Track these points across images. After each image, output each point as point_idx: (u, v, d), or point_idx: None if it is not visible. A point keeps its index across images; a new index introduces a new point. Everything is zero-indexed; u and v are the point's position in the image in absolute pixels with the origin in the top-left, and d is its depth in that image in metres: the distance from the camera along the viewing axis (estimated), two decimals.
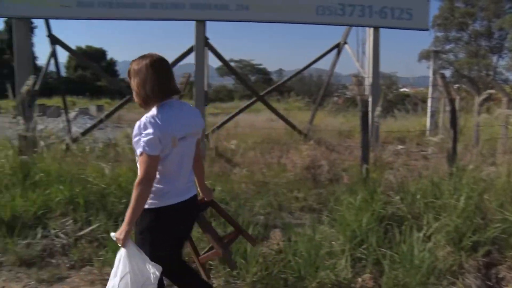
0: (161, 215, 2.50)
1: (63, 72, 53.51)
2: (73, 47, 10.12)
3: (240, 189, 5.35)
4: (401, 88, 26.98)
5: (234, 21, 8.15)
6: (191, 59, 8.24)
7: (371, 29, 8.31)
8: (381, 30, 8.23)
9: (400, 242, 3.81)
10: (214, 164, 5.84)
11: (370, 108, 6.38)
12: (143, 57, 2.49)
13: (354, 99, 21.82)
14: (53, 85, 14.43)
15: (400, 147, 9.33)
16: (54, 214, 4.58)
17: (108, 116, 10.16)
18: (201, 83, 7.98)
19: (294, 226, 4.36)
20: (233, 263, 2.88)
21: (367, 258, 3.77)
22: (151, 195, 2.45)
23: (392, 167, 5.76)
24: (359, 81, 6.49)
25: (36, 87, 7.64)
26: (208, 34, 8.05)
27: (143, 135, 2.34)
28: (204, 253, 3.04)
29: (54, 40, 9.25)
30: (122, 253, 2.40)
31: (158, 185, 2.47)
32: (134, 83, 2.47)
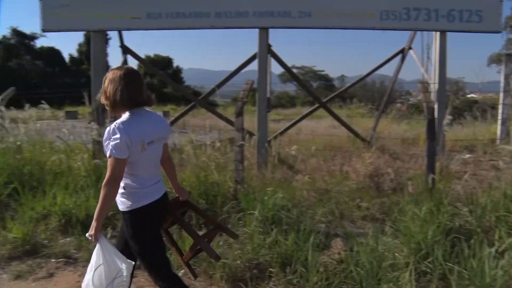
0: (143, 215, 2.69)
1: None
2: (142, 56, 10.51)
3: (301, 196, 5.29)
4: (468, 94, 25.67)
5: (296, 28, 8.11)
6: (254, 66, 8.31)
7: (437, 33, 7.96)
8: (448, 34, 7.87)
9: (469, 257, 3.58)
10: (276, 171, 5.80)
11: (436, 115, 6.11)
12: (119, 68, 2.72)
13: (418, 106, 21.11)
14: None
15: (468, 156, 8.84)
16: None
17: (173, 122, 10.46)
18: (264, 89, 8.01)
19: (356, 235, 4.22)
20: (215, 254, 2.95)
21: (432, 273, 3.58)
22: (128, 198, 2.67)
23: (459, 177, 5.47)
24: (425, 87, 6.22)
25: None
26: (270, 41, 8.08)
27: (112, 139, 2.52)
28: (188, 253, 3.14)
29: (126, 50, 9.67)
30: (97, 249, 2.58)
31: (132, 188, 2.68)
32: (107, 89, 2.64)
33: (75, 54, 50.67)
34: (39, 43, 48.51)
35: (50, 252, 4.20)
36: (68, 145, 6.61)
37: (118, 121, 2.58)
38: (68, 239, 4.39)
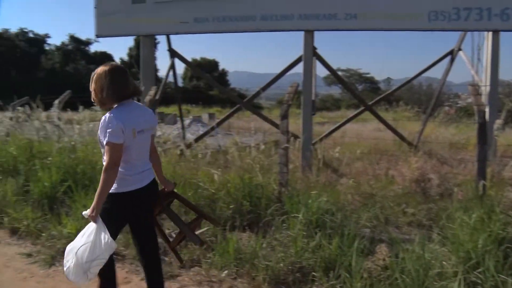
0: (121, 200, 2.85)
1: (180, 83, 56.95)
2: (189, 59, 10.67)
3: (346, 200, 5.19)
4: None
5: (342, 30, 8.00)
6: (299, 68, 8.27)
7: (490, 34, 7.62)
8: (501, 34, 7.50)
9: None
10: (320, 174, 5.73)
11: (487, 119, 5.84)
12: (105, 65, 2.87)
13: (467, 109, 20.30)
14: (170, 95, 15.34)
15: None
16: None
17: (219, 123, 10.56)
18: (309, 92, 7.95)
19: (402, 242, 4.09)
20: (198, 241, 3.22)
21: (483, 284, 3.40)
22: (116, 182, 2.79)
23: None
24: (476, 90, 5.97)
25: (157, 97, 8.18)
26: (315, 44, 8.01)
27: (108, 127, 2.71)
28: (175, 240, 3.43)
29: (173, 54, 9.85)
30: (92, 226, 2.74)
31: (122, 174, 2.82)
32: (94, 87, 2.83)
33: (126, 58, 52.28)
34: (93, 48, 50.21)
35: None
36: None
37: (112, 111, 2.80)
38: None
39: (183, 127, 10.71)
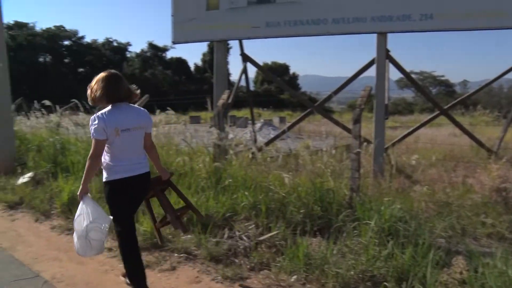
0: (113, 186, 3.33)
1: (251, 86, 57.61)
2: (260, 63, 10.73)
3: (420, 208, 4.94)
4: None
5: (417, 31, 7.65)
6: (371, 71, 8.03)
7: None
8: None
9: None
10: (393, 180, 5.51)
11: None
12: (106, 71, 3.35)
13: None
14: (242, 98, 15.57)
15: None
16: (239, 217, 4.85)
17: (290, 127, 10.51)
18: (382, 96, 7.69)
19: (481, 255, 3.80)
20: (181, 227, 3.75)
21: None
22: (106, 171, 3.33)
23: None
24: None
25: (229, 100, 8.31)
26: (388, 46, 7.74)
27: (93, 125, 3.17)
28: (159, 221, 4.02)
29: (245, 58, 9.96)
30: (81, 204, 3.31)
31: (109, 163, 3.31)
32: (92, 87, 3.29)
33: (200, 63, 53.91)
34: (169, 54, 52.24)
35: (173, 247, 4.43)
36: (191, 148, 6.97)
37: (101, 111, 3.24)
38: (189, 236, 4.58)
39: (254, 131, 10.79)
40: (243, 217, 4.84)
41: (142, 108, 3.61)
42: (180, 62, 51.39)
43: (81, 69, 48.07)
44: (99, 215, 3.27)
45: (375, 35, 7.67)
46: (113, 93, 3.25)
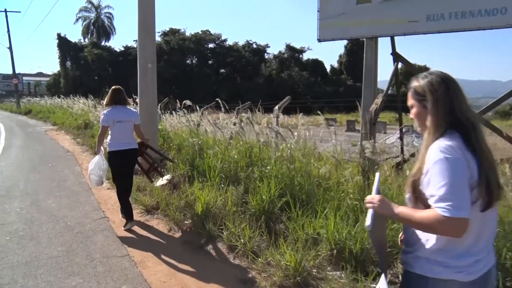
0: (111, 156, 5.14)
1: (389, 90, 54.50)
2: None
3: None
4: None
5: None
6: None
7: None
8: None
9: None
10: None
11: None
12: (114, 86, 5.41)
13: None
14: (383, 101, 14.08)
15: None
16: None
17: None
18: None
19: None
20: (161, 165, 6.68)
21: None
22: (107, 146, 5.18)
23: None
24: None
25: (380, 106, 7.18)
26: None
27: (101, 117, 5.17)
28: (147, 169, 6.09)
29: (397, 57, 8.65)
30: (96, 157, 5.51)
31: (108, 141, 5.18)
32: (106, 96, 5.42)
33: (336, 65, 52.55)
34: (306, 56, 51.85)
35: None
36: (336, 159, 6.02)
37: (106, 110, 5.22)
38: (337, 273, 3.64)
39: (402, 138, 9.40)
40: None
41: (132, 109, 5.68)
42: (317, 64, 50.60)
43: (222, 70, 50.08)
44: (98, 167, 5.41)
45: None
46: (114, 100, 5.22)
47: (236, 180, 5.92)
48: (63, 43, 47.63)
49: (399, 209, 1.73)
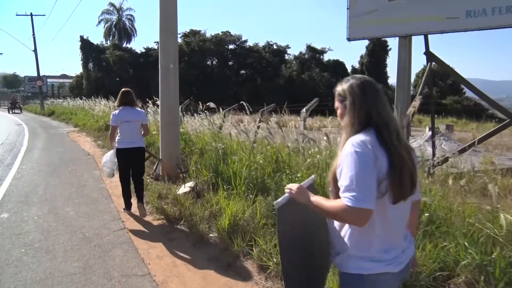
0: (118, 153, 5.66)
1: (411, 91, 53.35)
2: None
3: None
4: None
5: None
6: None
7: None
8: None
9: None
10: None
11: None
12: (123, 89, 5.87)
13: None
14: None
15: None
16: (457, 280, 3.28)
17: (481, 140, 8.47)
18: None
19: None
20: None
21: None
22: (116, 143, 5.65)
23: None
24: None
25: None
26: None
27: (111, 117, 5.64)
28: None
29: (431, 57, 8.13)
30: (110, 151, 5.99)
31: (117, 138, 5.65)
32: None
33: (357, 65, 51.65)
34: (327, 57, 51.10)
35: None
36: None
37: (115, 110, 5.76)
38: None
39: (433, 144, 8.86)
40: (464, 280, 3.25)
41: (139, 109, 5.91)
42: (338, 65, 49.80)
43: (242, 71, 49.72)
44: (111, 160, 5.78)
45: None
46: (123, 101, 5.62)
47: (264, 188, 5.50)
48: (86, 45, 47.97)
49: (314, 198, 1.85)
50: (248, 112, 8.10)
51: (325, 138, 6.38)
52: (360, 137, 1.73)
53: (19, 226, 5.33)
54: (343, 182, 1.67)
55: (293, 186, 1.93)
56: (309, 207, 1.86)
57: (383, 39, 50.65)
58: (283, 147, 6.65)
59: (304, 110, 7.48)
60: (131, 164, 5.68)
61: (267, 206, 4.72)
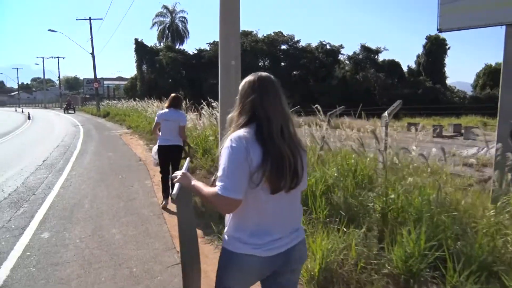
0: (158, 149, 6.17)
1: (469, 91, 49.97)
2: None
3: None
4: None
5: None
6: None
7: None
8: None
9: None
10: None
11: None
12: (172, 94, 6.56)
13: None
14: (457, 104, 11.83)
15: None
16: None
17: None
18: None
19: None
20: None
21: None
22: (158, 140, 6.26)
23: None
24: None
25: None
26: None
27: (157, 114, 6.26)
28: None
29: None
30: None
31: (159, 136, 6.21)
32: None
33: (413, 66, 49.02)
34: (382, 57, 48.82)
35: None
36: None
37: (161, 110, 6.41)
38: None
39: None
40: None
41: (180, 111, 6.35)
42: (393, 65, 47.34)
43: (295, 72, 48.38)
44: (154, 153, 6.36)
45: None
46: (170, 103, 6.23)
47: (348, 213, 4.33)
48: (140, 47, 48.43)
49: (195, 182, 1.98)
50: (320, 115, 6.97)
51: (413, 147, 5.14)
52: (239, 132, 1.80)
53: (58, 252, 4.47)
54: (218, 172, 1.79)
55: (179, 173, 2.05)
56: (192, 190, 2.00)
57: (441, 37, 47.92)
58: (358, 156, 5.53)
59: (386, 113, 6.24)
60: (169, 159, 6.21)
61: (364, 242, 3.56)
